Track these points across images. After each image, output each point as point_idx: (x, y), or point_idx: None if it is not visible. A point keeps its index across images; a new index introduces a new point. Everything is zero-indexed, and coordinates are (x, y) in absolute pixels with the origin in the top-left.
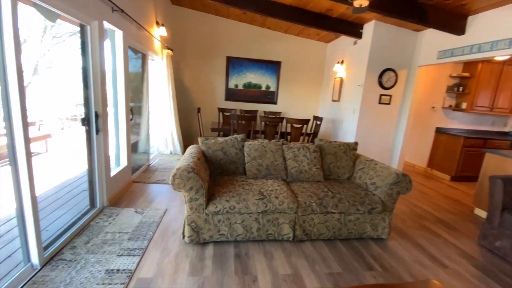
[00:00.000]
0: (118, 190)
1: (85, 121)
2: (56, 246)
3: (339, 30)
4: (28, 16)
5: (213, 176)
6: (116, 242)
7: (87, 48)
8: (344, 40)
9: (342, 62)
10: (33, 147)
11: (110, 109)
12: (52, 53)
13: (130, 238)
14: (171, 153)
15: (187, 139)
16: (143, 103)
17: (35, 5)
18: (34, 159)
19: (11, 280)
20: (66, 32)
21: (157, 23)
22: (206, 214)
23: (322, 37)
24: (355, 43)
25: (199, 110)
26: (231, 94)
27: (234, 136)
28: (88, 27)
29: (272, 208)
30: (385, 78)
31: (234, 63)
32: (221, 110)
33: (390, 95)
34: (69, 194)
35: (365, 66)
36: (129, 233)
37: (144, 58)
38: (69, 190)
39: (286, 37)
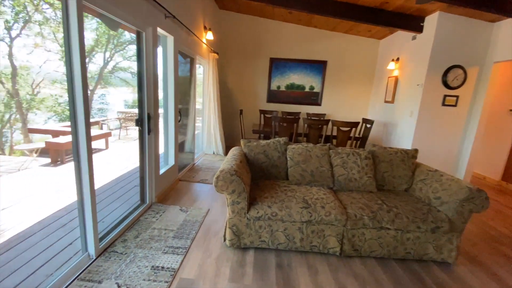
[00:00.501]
0: (165, 188)
1: (139, 122)
2: (110, 238)
3: (395, 24)
4: (94, 26)
5: (255, 180)
6: (162, 239)
7: (142, 54)
8: (400, 36)
9: (398, 59)
10: (96, 144)
11: (160, 111)
12: (114, 60)
13: (174, 236)
14: (214, 153)
15: (229, 140)
16: (190, 105)
17: (100, 15)
18: (96, 155)
19: (70, 267)
20: (125, 40)
21: (205, 27)
22: (247, 218)
23: (374, 33)
24: (414, 38)
25: (241, 112)
26: (273, 96)
27: (277, 139)
28: (144, 34)
29: (318, 218)
30: (451, 77)
31: (277, 64)
32: (262, 112)
33: (456, 96)
34: (124, 188)
35: (426, 63)
36: (174, 231)
37: (192, 62)
38: (124, 184)
39: (333, 35)
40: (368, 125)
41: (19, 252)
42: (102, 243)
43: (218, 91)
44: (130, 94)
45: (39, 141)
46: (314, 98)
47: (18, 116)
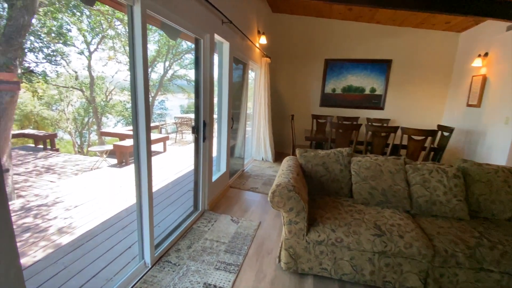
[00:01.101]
0: (217, 195)
1: (195, 129)
2: (164, 246)
3: (485, 12)
4: (156, 39)
5: (312, 195)
6: (214, 252)
7: (200, 61)
8: (490, 26)
9: (486, 55)
10: (155, 147)
11: (213, 116)
12: (173, 68)
13: (226, 250)
14: (262, 159)
15: (278, 146)
16: (241, 110)
17: (162, 26)
18: (154, 158)
19: (128, 275)
20: (182, 50)
21: (258, 32)
22: (306, 241)
23: (454, 25)
24: (509, 28)
25: (292, 117)
26: (327, 100)
27: (338, 149)
28: (202, 41)
29: (395, 250)
30: None
31: (332, 66)
32: (315, 117)
33: None
34: (178, 192)
35: None
36: (225, 244)
37: (245, 67)
38: (178, 188)
39: (400, 30)
40: (446, 133)
41: (84, 252)
42: (157, 251)
43: (269, 95)
44: (185, 100)
45: (109, 143)
46: (375, 102)
47: (94, 119)
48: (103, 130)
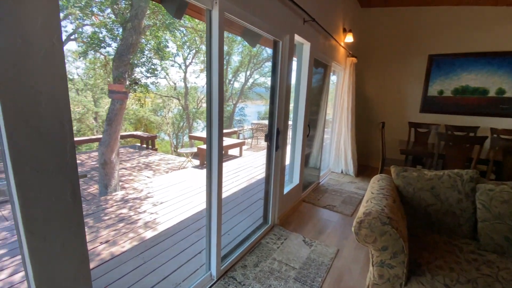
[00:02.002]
0: (288, 209)
1: (268, 137)
2: (231, 260)
3: None
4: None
5: (413, 230)
6: (282, 277)
7: (277, 65)
8: None
9: None
10: (232, 151)
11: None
12: (253, 77)
13: (296, 278)
14: (342, 172)
15: (362, 158)
16: (319, 116)
17: (242, 33)
18: (231, 162)
19: (194, 285)
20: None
21: (344, 29)
22: None
23: None
24: None
25: (383, 125)
26: (431, 104)
27: (455, 171)
28: (280, 43)
29: None
30: None
31: (439, 62)
32: (413, 125)
33: None
34: (249, 200)
35: None
36: (295, 270)
37: (326, 69)
38: (250, 195)
39: None
40: None
41: (161, 250)
42: (223, 264)
43: (353, 100)
44: (263, 106)
45: (198, 145)
46: (505, 107)
47: (186, 124)
48: (193, 134)
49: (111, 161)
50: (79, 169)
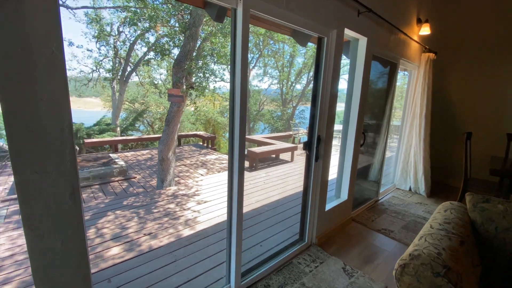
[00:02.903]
0: (331, 227)
1: (307, 145)
2: (254, 276)
3: None
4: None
5: (491, 285)
6: None
7: (320, 64)
8: None
9: None
10: (284, 156)
11: (337, 127)
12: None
13: None
14: (410, 190)
15: (437, 174)
16: (383, 122)
17: (293, 33)
18: (280, 167)
19: None
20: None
21: (419, 20)
22: None
23: None
24: None
25: (468, 136)
26: None
27: None
28: (325, 39)
29: None
30: None
31: None
32: None
33: None
34: (290, 211)
35: None
36: None
37: (392, 68)
38: (292, 205)
39: None
40: None
41: (193, 250)
42: (245, 279)
43: (429, 104)
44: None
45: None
46: None
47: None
48: (251, 135)
49: (168, 158)
50: (151, 163)
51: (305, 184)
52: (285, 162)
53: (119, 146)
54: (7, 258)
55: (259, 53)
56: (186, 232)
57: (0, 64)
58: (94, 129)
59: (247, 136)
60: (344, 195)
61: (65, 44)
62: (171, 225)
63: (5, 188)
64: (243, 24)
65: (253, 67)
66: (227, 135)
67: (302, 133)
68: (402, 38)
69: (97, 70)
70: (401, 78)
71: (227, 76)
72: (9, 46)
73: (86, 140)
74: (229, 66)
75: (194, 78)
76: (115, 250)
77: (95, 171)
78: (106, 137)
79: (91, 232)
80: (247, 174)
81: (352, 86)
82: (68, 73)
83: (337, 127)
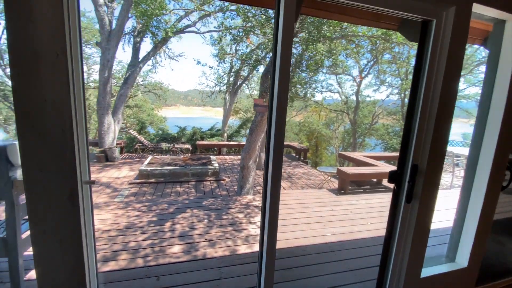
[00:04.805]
0: None
1: (394, 177)
2: None
3: None
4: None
5: None
6: None
7: (424, 59)
8: None
9: None
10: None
11: (458, 150)
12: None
13: None
14: None
15: None
16: None
17: (399, 26)
18: (382, 196)
19: None
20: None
21: None
22: None
23: None
24: None
25: None
26: None
27: None
28: (433, 23)
29: None
30: None
31: None
32: None
33: None
34: (373, 259)
35: None
36: None
37: None
38: (377, 251)
39: None
40: None
41: (237, 273)
42: None
43: None
44: (469, 127)
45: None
46: None
47: (352, 140)
48: (349, 152)
49: (248, 166)
50: (235, 168)
51: (388, 232)
52: (389, 190)
53: (224, 149)
54: (105, 232)
55: (375, 59)
56: (242, 249)
57: (13, 67)
58: (206, 133)
59: (340, 152)
60: (463, 259)
61: (194, 63)
62: (232, 236)
63: (135, 173)
64: (285, 12)
65: (366, 75)
66: (331, 148)
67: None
68: None
69: (218, 84)
70: None
71: (335, 86)
72: (21, 51)
73: (198, 142)
74: (337, 76)
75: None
76: (176, 249)
77: (193, 169)
78: (214, 141)
79: (167, 225)
80: (331, 197)
81: (490, 93)
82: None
83: (458, 149)
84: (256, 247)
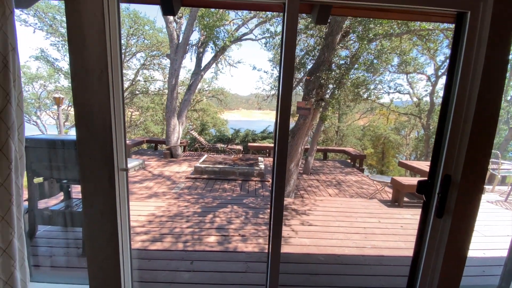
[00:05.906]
0: None
1: (423, 186)
2: None
3: None
4: None
5: None
6: None
7: (458, 56)
8: None
9: None
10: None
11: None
12: None
13: None
14: None
15: None
16: None
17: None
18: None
19: None
20: None
21: None
22: None
23: None
24: None
25: None
26: None
27: None
28: (468, 15)
29: None
30: None
31: None
32: None
33: None
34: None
35: None
36: None
37: None
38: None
39: None
40: None
41: (262, 269)
42: None
43: None
44: None
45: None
46: None
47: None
48: (411, 161)
49: (289, 169)
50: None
51: (416, 252)
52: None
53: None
54: (158, 217)
55: (446, 55)
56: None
57: (73, 80)
58: (258, 135)
59: (401, 161)
60: None
61: (250, 68)
62: (264, 235)
63: (192, 169)
64: (288, 16)
65: (443, 74)
66: (400, 156)
67: (507, 170)
68: None
69: (274, 88)
70: None
71: (405, 86)
72: (78, 68)
73: (249, 144)
74: (406, 76)
75: (329, 90)
76: (212, 239)
77: (241, 169)
78: (265, 143)
79: (208, 217)
80: (381, 209)
81: None
82: (253, 91)
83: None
84: (284, 249)
